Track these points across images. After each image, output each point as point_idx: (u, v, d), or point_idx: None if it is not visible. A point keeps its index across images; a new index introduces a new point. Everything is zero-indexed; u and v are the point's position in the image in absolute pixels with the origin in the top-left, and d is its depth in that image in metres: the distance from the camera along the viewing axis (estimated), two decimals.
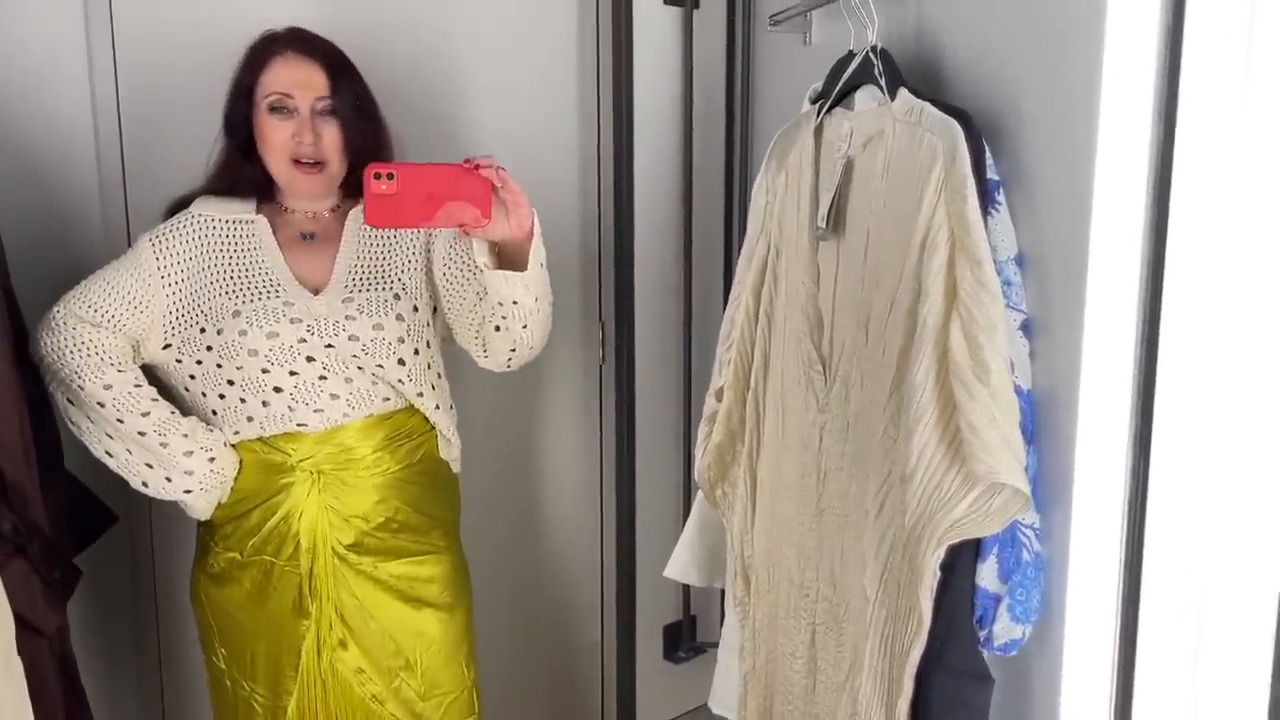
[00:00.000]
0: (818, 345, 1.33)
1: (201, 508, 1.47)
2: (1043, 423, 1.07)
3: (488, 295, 1.39)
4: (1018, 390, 1.05)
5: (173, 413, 1.43)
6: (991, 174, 1.12)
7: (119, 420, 1.41)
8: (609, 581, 2.13)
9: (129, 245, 1.71)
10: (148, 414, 1.41)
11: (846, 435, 1.27)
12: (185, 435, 1.42)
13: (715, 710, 1.63)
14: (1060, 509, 1.04)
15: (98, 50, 1.60)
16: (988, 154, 1.11)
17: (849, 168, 1.27)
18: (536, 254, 1.35)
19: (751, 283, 1.45)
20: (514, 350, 1.47)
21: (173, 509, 1.53)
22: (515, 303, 1.38)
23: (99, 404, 1.40)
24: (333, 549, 1.46)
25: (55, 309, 1.41)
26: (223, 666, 1.53)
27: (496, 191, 1.27)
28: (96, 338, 1.41)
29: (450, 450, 1.57)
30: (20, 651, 1.42)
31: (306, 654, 1.48)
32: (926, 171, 1.11)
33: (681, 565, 1.66)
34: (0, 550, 1.36)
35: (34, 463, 1.56)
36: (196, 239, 1.43)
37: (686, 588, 2.02)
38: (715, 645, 1.84)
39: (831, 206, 1.28)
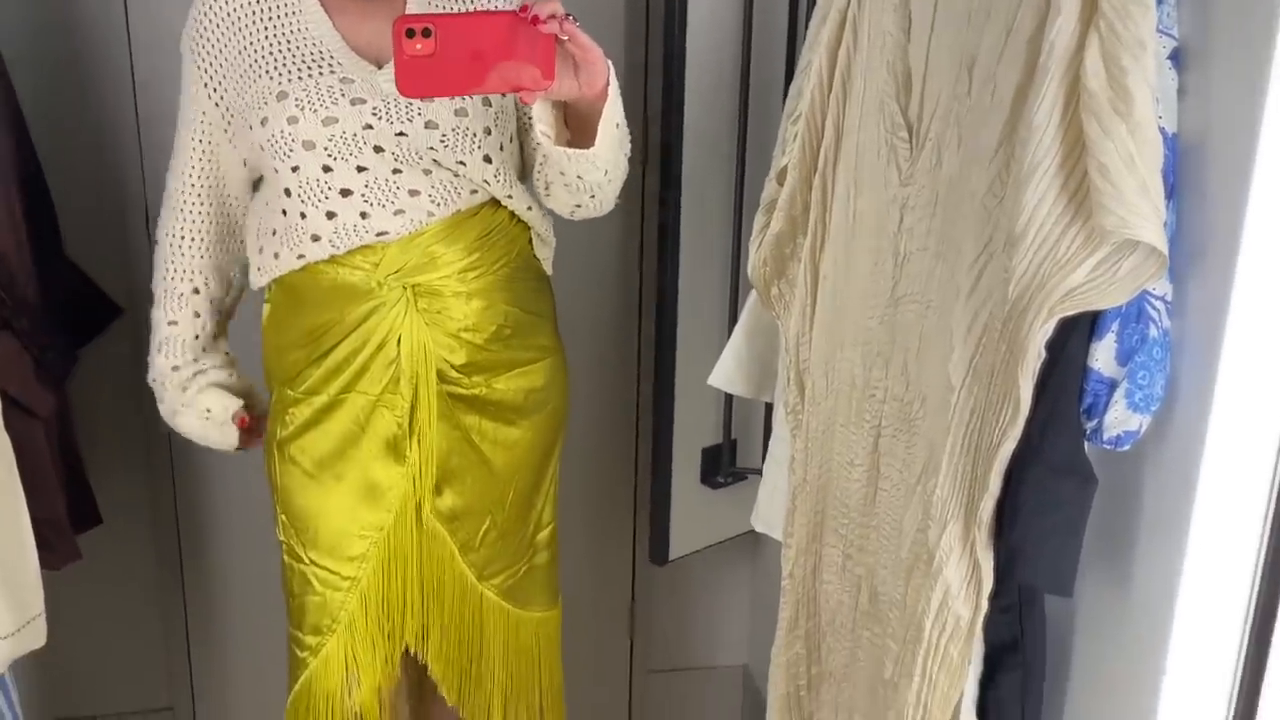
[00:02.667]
0: (904, 108, 1.14)
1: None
2: (1189, 174, 0.88)
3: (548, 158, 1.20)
4: (1160, 132, 0.86)
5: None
6: None
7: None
8: (645, 397, 2.01)
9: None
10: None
11: (934, 209, 1.09)
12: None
13: (758, 528, 1.51)
14: (1203, 276, 0.86)
15: None
16: None
17: None
18: (610, 116, 1.14)
19: (826, 41, 1.24)
20: (579, 208, 1.31)
21: None
22: (580, 177, 1.20)
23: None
24: (439, 374, 1.29)
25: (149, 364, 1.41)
26: (281, 538, 1.38)
27: (561, 44, 1.04)
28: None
29: (544, 249, 1.40)
30: (14, 432, 1.35)
31: (402, 509, 1.33)
32: None
33: (727, 374, 1.51)
34: None
35: (24, 239, 1.47)
36: (229, 17, 1.22)
37: (728, 409, 1.89)
38: (756, 471, 1.72)
39: None
